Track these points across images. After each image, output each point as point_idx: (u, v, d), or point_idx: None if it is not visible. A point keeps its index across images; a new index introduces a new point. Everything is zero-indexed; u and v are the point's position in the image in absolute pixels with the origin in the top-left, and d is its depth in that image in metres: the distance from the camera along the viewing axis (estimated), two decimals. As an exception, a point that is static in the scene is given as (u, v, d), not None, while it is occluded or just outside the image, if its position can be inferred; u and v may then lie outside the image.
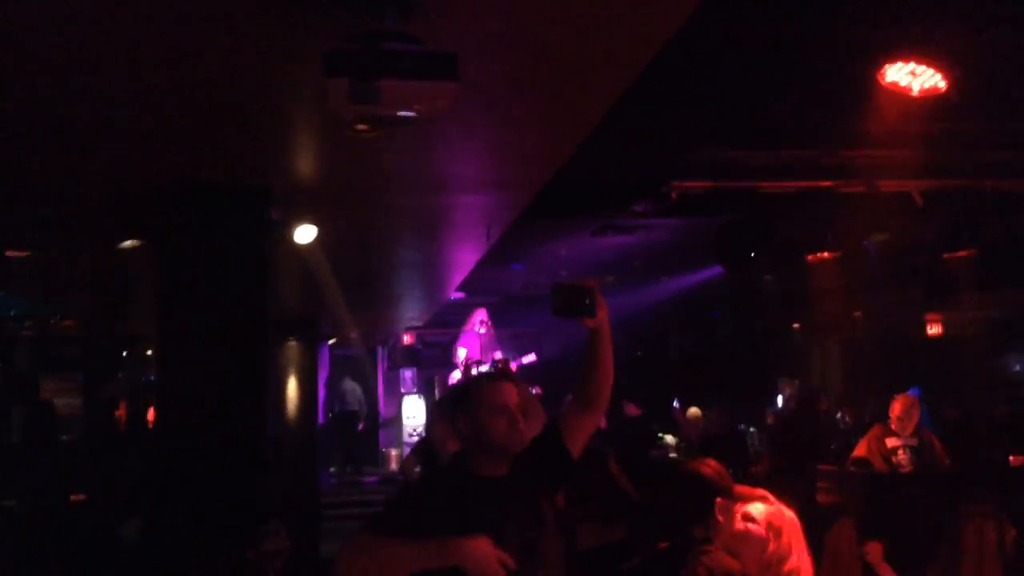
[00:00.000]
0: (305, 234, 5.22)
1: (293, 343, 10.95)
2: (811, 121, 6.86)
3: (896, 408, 6.98)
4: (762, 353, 15.66)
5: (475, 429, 2.90)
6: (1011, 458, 7.61)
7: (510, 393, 2.91)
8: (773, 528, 3.26)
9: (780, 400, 13.31)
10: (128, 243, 4.98)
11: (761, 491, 3.41)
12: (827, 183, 7.46)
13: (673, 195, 7.63)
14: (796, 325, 16.31)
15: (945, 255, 8.04)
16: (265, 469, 4.63)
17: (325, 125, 3.92)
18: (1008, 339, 14.13)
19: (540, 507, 3.01)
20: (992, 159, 7.38)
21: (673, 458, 11.97)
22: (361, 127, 3.63)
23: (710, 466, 3.57)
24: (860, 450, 7.00)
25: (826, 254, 8.29)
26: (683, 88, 6.48)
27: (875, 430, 7.08)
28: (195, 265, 4.69)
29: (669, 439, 12.26)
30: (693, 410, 12.00)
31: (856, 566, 5.71)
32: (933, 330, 14.89)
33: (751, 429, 12.15)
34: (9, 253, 5.92)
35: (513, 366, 11.22)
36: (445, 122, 4.01)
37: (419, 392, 18.91)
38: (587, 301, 2.91)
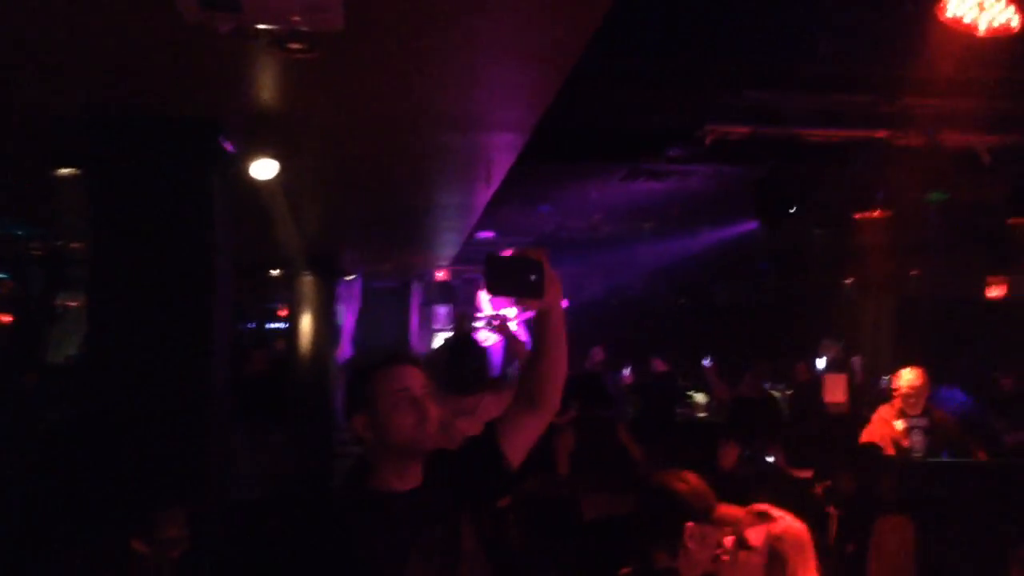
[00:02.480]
0: (264, 169, 4.69)
1: (308, 278, 10.54)
2: (864, 64, 6.12)
3: (903, 384, 6.25)
4: (810, 310, 14.91)
5: (375, 428, 2.34)
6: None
7: (413, 377, 2.35)
8: (777, 555, 2.69)
9: (822, 362, 12.60)
10: (65, 171, 4.51)
11: (761, 507, 2.83)
12: (881, 133, 6.68)
13: (707, 140, 6.94)
14: (847, 281, 15.51)
15: (1010, 220, 7.20)
16: (206, 433, 4.15)
17: (270, 49, 3.35)
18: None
19: (459, 530, 2.45)
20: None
21: (702, 417, 11.47)
22: (293, 46, 3.09)
23: (687, 482, 2.98)
24: (867, 435, 6.32)
25: (876, 213, 7.49)
26: (722, 27, 5.85)
27: (882, 409, 6.37)
28: (128, 197, 4.18)
29: (699, 398, 11.74)
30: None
31: (910, 569, 5.03)
32: (994, 293, 14.00)
33: (788, 391, 11.55)
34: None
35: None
36: (412, 51, 3.47)
37: (453, 328, 18.48)
38: (532, 277, 2.30)
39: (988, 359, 11.77)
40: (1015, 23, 3.60)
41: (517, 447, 2.47)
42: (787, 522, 2.78)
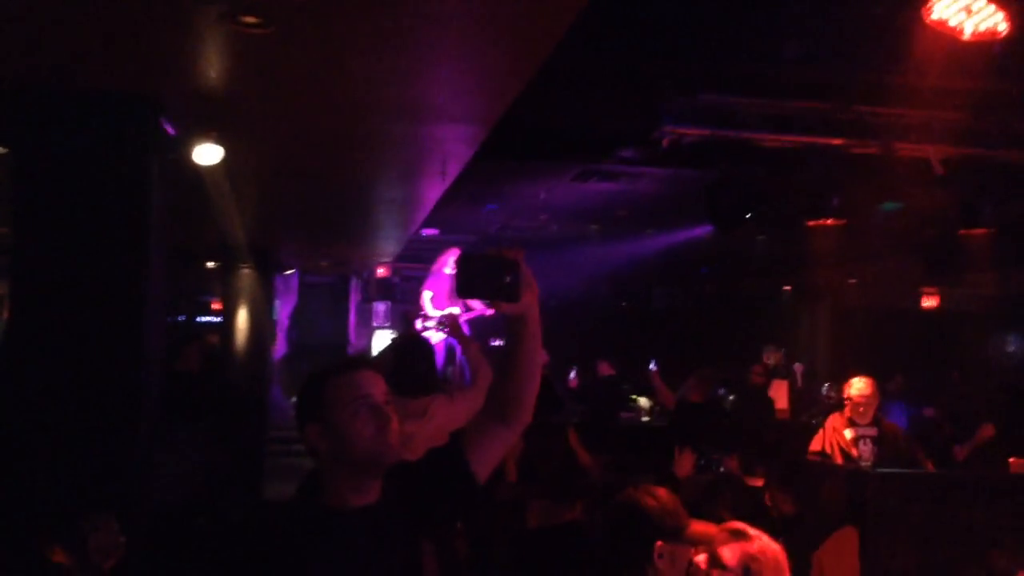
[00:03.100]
0: (208, 154, 4.39)
1: (246, 271, 10.17)
2: (824, 70, 6.07)
3: (853, 393, 6.24)
4: (749, 315, 14.99)
5: (331, 439, 2.12)
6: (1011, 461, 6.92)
7: (374, 384, 2.14)
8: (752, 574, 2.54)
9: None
10: (-3, 149, 4.15)
11: (736, 525, 2.67)
12: (837, 141, 6.63)
13: (665, 142, 6.82)
14: (786, 288, 15.66)
15: (961, 231, 7.22)
16: (135, 433, 3.85)
17: (221, 22, 3.10)
18: (1009, 320, 13.45)
19: (417, 551, 2.24)
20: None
21: (645, 422, 11.40)
22: (248, 19, 2.85)
23: (656, 498, 2.81)
24: (816, 443, 6.29)
25: (829, 221, 7.47)
26: (681, 27, 5.74)
27: (832, 418, 6.35)
28: (54, 179, 3.86)
29: (643, 402, 11.67)
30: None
31: None
32: (928, 303, 14.26)
33: (731, 396, 11.57)
34: None
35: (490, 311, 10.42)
36: (375, 29, 3.24)
37: (392, 326, 18.18)
38: (507, 279, 2.10)
39: (925, 369, 11.93)
40: (1002, 28, 3.52)
41: (485, 461, 2.28)
42: (763, 542, 2.62)
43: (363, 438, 2.10)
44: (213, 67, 3.57)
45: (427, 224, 10.86)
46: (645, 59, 6.22)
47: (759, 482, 6.05)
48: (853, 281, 14.00)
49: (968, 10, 3.43)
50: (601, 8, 5.29)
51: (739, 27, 5.63)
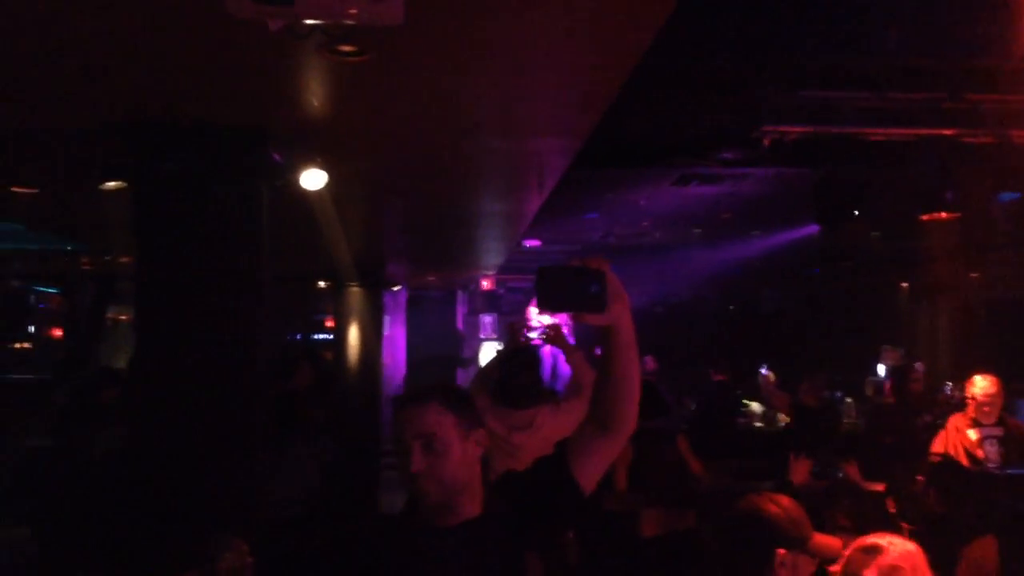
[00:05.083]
0: (313, 179, 4.55)
1: (355, 289, 10.46)
2: (927, 58, 5.86)
3: (976, 392, 5.95)
4: (864, 316, 14.52)
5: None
6: None
7: (412, 421, 2.14)
8: None
9: (882, 369, 12.23)
10: (111, 184, 4.41)
11: (867, 541, 2.60)
12: (948, 131, 6.39)
13: (766, 141, 6.71)
14: (904, 285, 15.09)
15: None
16: (252, 452, 4.01)
17: (319, 53, 3.22)
18: None
19: (520, 563, 2.25)
20: None
21: (758, 427, 11.17)
22: (344, 48, 2.95)
23: (780, 506, 2.76)
24: (938, 445, 6.01)
25: (943, 215, 7.18)
26: (777, 23, 5.64)
27: (954, 419, 6.07)
28: (174, 210, 4.07)
29: (755, 406, 11.43)
30: (768, 375, 11.11)
31: None
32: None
33: (847, 399, 11.23)
34: (15, 188, 5.48)
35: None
36: (467, 49, 3.31)
37: (499, 338, 18.33)
38: (593, 289, 2.06)
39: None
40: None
41: (590, 472, 2.26)
42: (897, 547, 2.55)
43: (403, 481, 2.15)
44: (315, 96, 3.72)
45: (529, 236, 10.94)
46: (742, 58, 6.15)
47: (880, 487, 5.87)
48: (974, 275, 13.39)
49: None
50: (695, 10, 5.29)
51: (836, 19, 5.50)
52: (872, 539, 2.60)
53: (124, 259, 9.71)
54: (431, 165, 5.12)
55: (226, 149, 4.07)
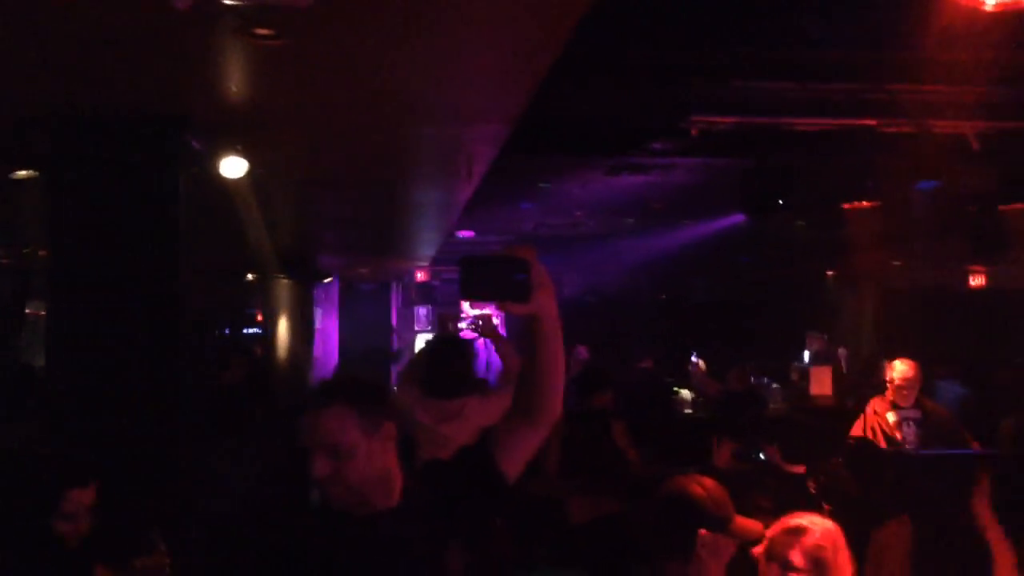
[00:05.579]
0: (233, 167, 4.45)
1: (284, 281, 10.29)
2: (852, 50, 5.97)
3: (895, 375, 6.13)
4: (792, 303, 14.82)
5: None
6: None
7: (323, 429, 2.10)
8: (820, 563, 2.53)
9: (807, 356, 12.51)
10: (23, 173, 4.25)
11: (790, 522, 2.64)
12: (870, 122, 6.52)
13: (693, 131, 6.77)
14: (830, 273, 15.46)
15: (1001, 207, 7.08)
16: (177, 447, 3.90)
17: (235, 36, 3.13)
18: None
19: (440, 552, 2.23)
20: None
21: (687, 414, 11.33)
22: (261, 31, 2.88)
23: (704, 487, 2.80)
24: (856, 428, 6.18)
25: (865, 203, 7.35)
26: (706, 13, 5.68)
27: (873, 402, 6.24)
28: (89, 199, 3.93)
29: (685, 394, 11.59)
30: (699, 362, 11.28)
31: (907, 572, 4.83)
32: (976, 282, 14.00)
33: (774, 385, 11.46)
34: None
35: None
36: (385, 33, 3.25)
37: (433, 329, 18.27)
38: (518, 277, 2.03)
39: (976, 349, 11.71)
40: (1027, -5, 3.45)
41: (514, 460, 2.25)
42: (817, 526, 2.63)
43: (319, 481, 2.10)
44: (233, 82, 3.62)
45: (462, 226, 10.89)
46: (670, 48, 6.18)
47: (801, 469, 5.99)
48: (897, 263, 13.77)
49: (991, -20, 3.35)
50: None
51: (763, 10, 5.56)
52: (795, 520, 2.65)
53: (43, 252, 9.42)
54: (357, 153, 5.05)
55: (142, 136, 3.95)
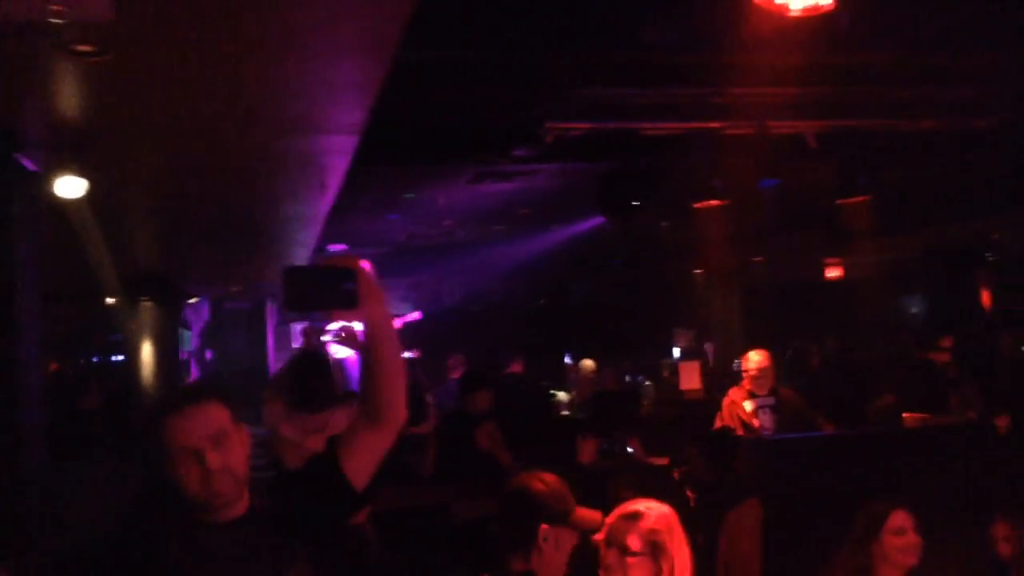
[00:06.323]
0: (71, 187, 4.31)
1: (147, 304, 9.97)
2: (691, 54, 6.23)
3: (750, 366, 6.43)
4: (663, 301, 15.26)
5: (168, 484, 2.11)
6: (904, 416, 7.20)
7: (201, 423, 2.08)
8: (658, 546, 2.63)
9: (676, 351, 12.90)
10: None
11: (627, 508, 2.75)
12: (715, 124, 6.82)
13: (548, 138, 6.93)
14: (697, 271, 15.96)
15: (839, 201, 7.51)
16: (19, 478, 3.76)
17: (52, 54, 3.05)
18: (905, 283, 13.97)
19: (290, 559, 2.24)
20: (891, 98, 6.85)
21: (564, 415, 11.50)
22: (82, 48, 2.82)
23: (544, 482, 2.86)
24: (719, 418, 6.45)
25: (714, 202, 7.68)
26: (556, 22, 5.80)
27: (731, 393, 6.53)
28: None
29: (562, 396, 11.76)
30: (587, 363, 11.48)
31: (757, 552, 5.06)
32: (832, 274, 14.74)
33: (647, 382, 11.75)
34: None
35: (397, 324, 10.39)
36: (216, 54, 3.23)
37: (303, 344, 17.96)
38: (346, 286, 2.05)
39: (830, 337, 12.30)
40: (826, 1, 3.69)
41: (360, 466, 2.26)
42: (653, 511, 2.73)
43: (190, 486, 2.08)
44: (62, 99, 3.52)
45: (332, 239, 10.78)
46: (527, 54, 6.29)
47: (664, 461, 6.20)
48: (759, 259, 14.35)
49: (790, -15, 3.59)
50: (477, 6, 5.36)
51: (608, 17, 5.70)
52: (632, 506, 2.76)
53: None
54: (206, 169, 4.96)
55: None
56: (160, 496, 2.16)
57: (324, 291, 2.07)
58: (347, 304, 2.08)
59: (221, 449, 2.07)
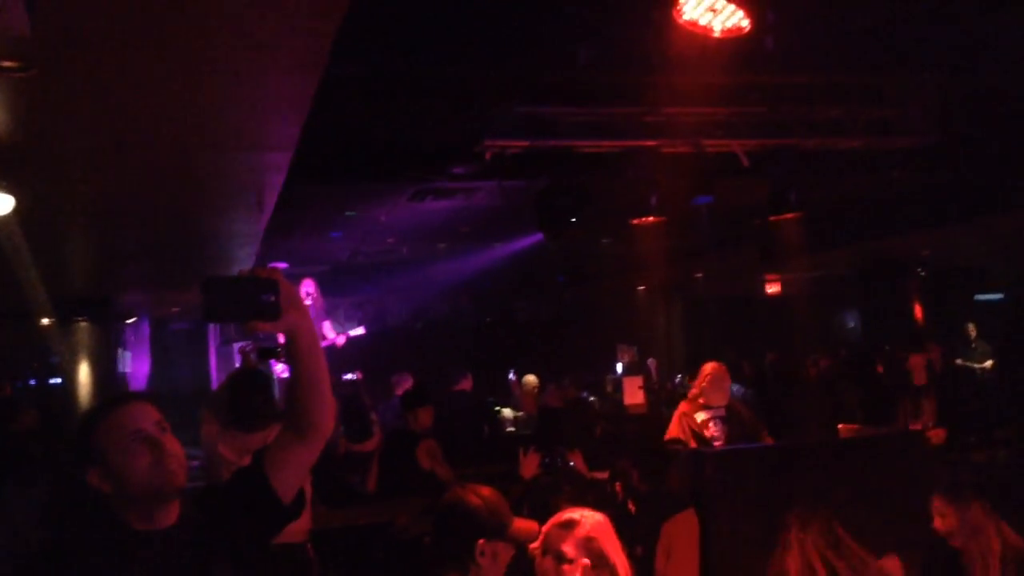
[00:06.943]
0: (-2, 204, 4.25)
1: (83, 324, 9.79)
2: (631, 76, 6.35)
3: (703, 379, 6.53)
4: (606, 318, 15.40)
5: (112, 480, 2.11)
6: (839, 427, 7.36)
7: (143, 415, 2.13)
8: (594, 552, 2.67)
9: (619, 367, 13.01)
10: None
11: (562, 517, 2.78)
12: (649, 143, 6.94)
13: (487, 155, 6.99)
14: (640, 288, 16.15)
15: (772, 217, 7.68)
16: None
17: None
18: (838, 298, 14.30)
19: (213, 572, 2.24)
20: (820, 117, 7.04)
21: (509, 432, 11.53)
22: (6, 63, 2.80)
23: (480, 496, 2.85)
24: (671, 431, 6.52)
25: (651, 219, 7.80)
26: (493, 41, 5.86)
27: (682, 405, 6.61)
28: None
29: (507, 412, 11.79)
30: (529, 378, 11.50)
31: (694, 562, 5.13)
32: (771, 289, 15.01)
33: (591, 398, 11.83)
34: None
35: (341, 340, 10.33)
36: (142, 69, 3.22)
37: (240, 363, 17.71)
38: (267, 298, 2.06)
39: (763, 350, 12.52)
40: (745, 24, 3.80)
41: (287, 479, 2.26)
42: (587, 519, 2.77)
43: (141, 474, 2.09)
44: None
45: (273, 257, 10.69)
46: (459, 72, 6.34)
47: (604, 475, 6.26)
48: (699, 275, 14.56)
49: (713, 9, 3.68)
50: (412, 23, 5.40)
51: (543, 37, 5.77)
52: (568, 514, 2.80)
53: None
54: (138, 185, 4.90)
55: None
56: (82, 505, 2.16)
57: (245, 302, 2.06)
58: (268, 315, 2.08)
59: (167, 436, 2.13)
